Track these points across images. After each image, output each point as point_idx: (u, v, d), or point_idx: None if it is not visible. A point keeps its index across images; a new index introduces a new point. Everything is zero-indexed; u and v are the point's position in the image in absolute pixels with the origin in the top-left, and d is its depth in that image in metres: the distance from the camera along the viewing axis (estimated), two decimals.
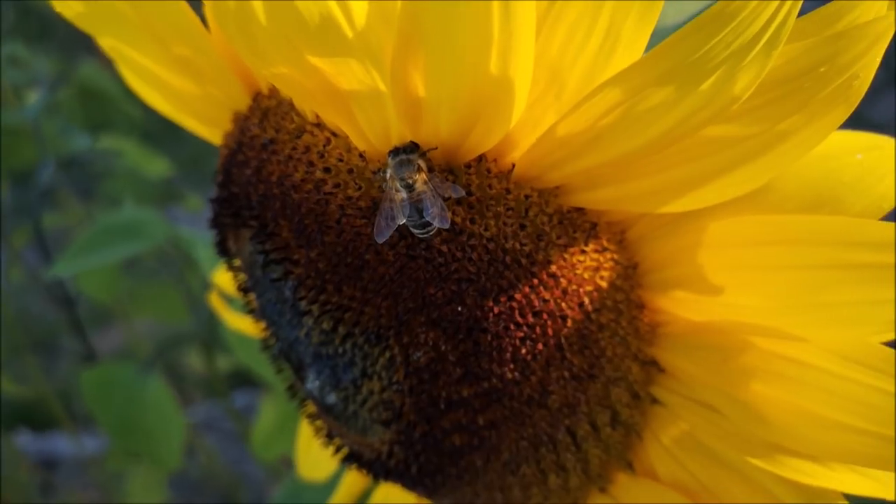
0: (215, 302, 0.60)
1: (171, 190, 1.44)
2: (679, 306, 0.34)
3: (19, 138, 1.39)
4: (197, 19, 0.36)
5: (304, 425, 0.60)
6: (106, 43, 0.41)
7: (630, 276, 0.34)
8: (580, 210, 0.33)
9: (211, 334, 1.12)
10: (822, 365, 0.32)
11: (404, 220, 0.29)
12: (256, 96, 0.37)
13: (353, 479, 0.56)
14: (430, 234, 0.30)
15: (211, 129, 0.43)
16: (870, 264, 0.30)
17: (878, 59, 0.28)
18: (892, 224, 0.30)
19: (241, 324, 0.59)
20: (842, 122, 0.29)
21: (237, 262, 0.42)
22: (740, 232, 0.32)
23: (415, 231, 0.30)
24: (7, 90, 1.60)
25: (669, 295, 0.34)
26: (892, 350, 0.31)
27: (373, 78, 0.27)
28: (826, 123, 0.29)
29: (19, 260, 1.63)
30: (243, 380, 1.76)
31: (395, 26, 0.25)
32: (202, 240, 1.08)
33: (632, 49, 0.27)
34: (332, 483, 0.61)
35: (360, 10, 0.25)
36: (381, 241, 0.30)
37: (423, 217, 0.29)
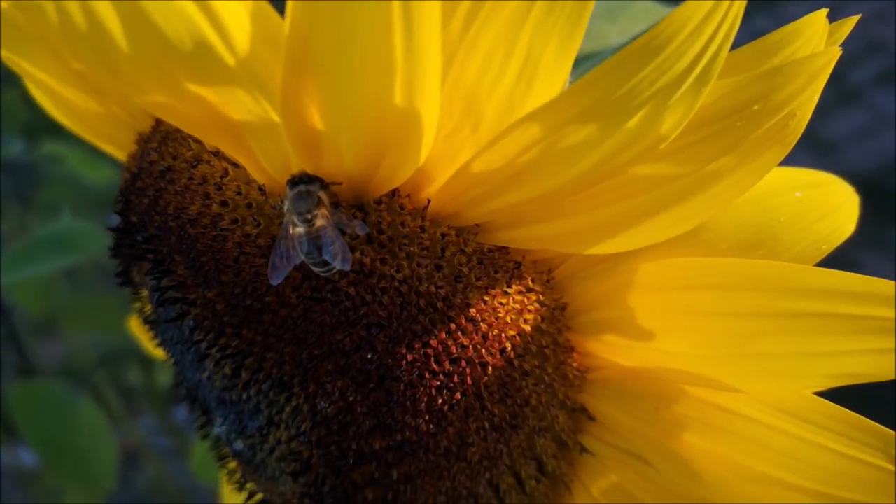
0: (135, 327, 0.56)
1: (112, 197, 1.39)
2: (610, 351, 0.32)
3: None
4: None
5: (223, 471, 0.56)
6: (6, 55, 0.38)
7: (557, 319, 0.32)
8: (503, 249, 0.30)
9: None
10: (757, 417, 0.31)
11: (302, 259, 0.27)
12: (158, 118, 0.34)
13: None
14: (330, 272, 0.27)
15: (117, 150, 0.39)
16: (806, 313, 0.28)
17: (816, 97, 0.27)
18: (832, 271, 0.28)
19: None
20: (777, 163, 0.27)
21: (144, 293, 0.39)
22: (672, 274, 0.30)
23: (315, 269, 0.27)
24: None
25: (600, 338, 0.32)
26: (830, 403, 0.30)
27: (263, 108, 0.24)
28: (760, 165, 0.27)
29: None
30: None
31: (282, 51, 0.22)
32: None
33: (552, 80, 0.25)
34: None
35: (240, 35, 0.22)
36: (275, 282, 0.27)
37: (321, 255, 0.26)
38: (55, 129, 1.45)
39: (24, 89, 1.25)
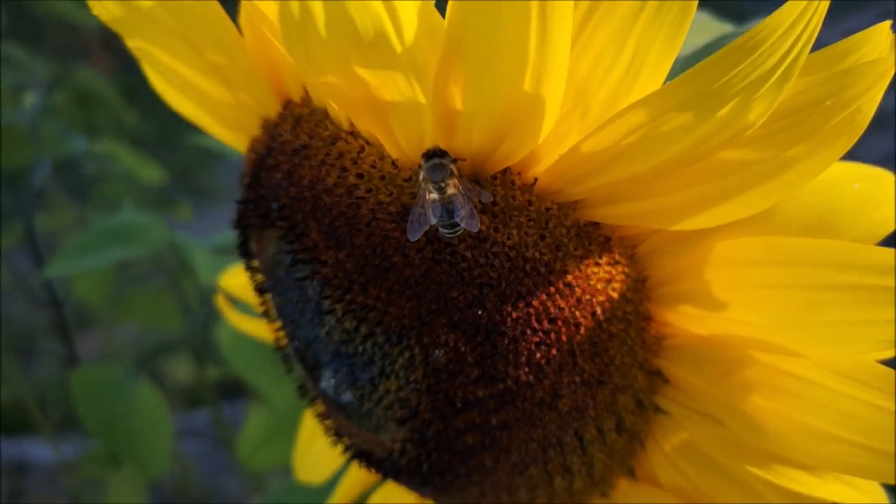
0: (221, 303, 0.61)
1: (165, 197, 1.45)
2: (685, 320, 0.36)
3: (14, 139, 1.40)
4: (234, 28, 0.38)
5: (303, 429, 0.61)
6: (138, 46, 0.43)
7: (639, 290, 0.36)
8: (595, 224, 0.34)
9: (202, 342, 1.12)
10: (819, 380, 0.34)
11: (435, 221, 0.31)
12: (287, 104, 0.38)
13: (351, 483, 0.57)
14: (457, 234, 0.32)
15: (236, 134, 0.44)
16: (865, 286, 0.32)
17: (880, 96, 0.31)
18: (888, 249, 0.32)
19: (247, 325, 0.60)
20: (844, 152, 0.31)
21: (256, 264, 0.44)
22: (745, 252, 0.34)
23: (443, 231, 0.32)
24: (3, 91, 1.60)
25: (676, 309, 0.36)
26: (887, 368, 0.33)
27: (414, 91, 0.29)
28: (830, 153, 0.31)
29: (6, 262, 1.63)
30: (227, 391, 1.75)
31: (440, 44, 0.27)
32: (199, 246, 1.09)
33: (655, 74, 0.29)
34: (321, 490, 0.62)
35: (409, 28, 0.27)
36: (413, 239, 0.31)
37: (452, 218, 0.31)
38: (101, 132, 1.51)
39: (74, 91, 1.31)
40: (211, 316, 1.13)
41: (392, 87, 0.29)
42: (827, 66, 0.30)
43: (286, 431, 1.12)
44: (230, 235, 1.20)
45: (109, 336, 1.67)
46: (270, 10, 0.34)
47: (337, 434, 0.44)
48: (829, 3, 0.28)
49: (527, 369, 0.34)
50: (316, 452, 0.60)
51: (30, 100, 1.59)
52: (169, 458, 1.04)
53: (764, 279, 0.34)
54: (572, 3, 0.26)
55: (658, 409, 0.38)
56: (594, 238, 0.34)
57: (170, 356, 1.56)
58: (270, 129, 0.39)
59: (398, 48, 0.27)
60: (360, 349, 0.36)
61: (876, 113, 0.32)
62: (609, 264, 0.35)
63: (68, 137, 1.33)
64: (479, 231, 0.32)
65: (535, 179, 0.33)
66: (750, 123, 0.29)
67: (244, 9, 0.37)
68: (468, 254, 0.33)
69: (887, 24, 0.31)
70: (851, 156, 0.34)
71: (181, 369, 1.85)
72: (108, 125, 1.60)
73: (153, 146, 1.64)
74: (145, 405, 1.02)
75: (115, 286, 1.25)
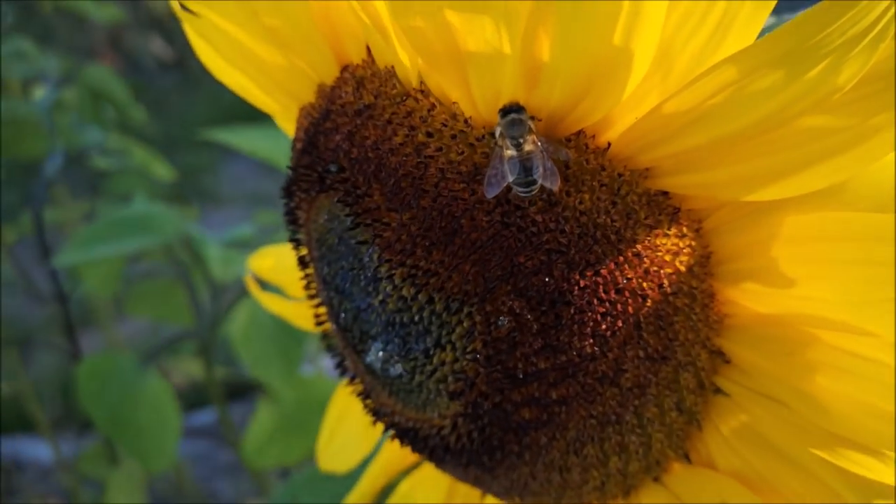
0: (250, 284, 0.60)
1: (177, 193, 1.44)
2: (749, 298, 0.35)
3: (26, 130, 1.39)
4: None
5: (328, 417, 0.60)
6: (193, 7, 0.42)
7: (705, 265, 0.35)
8: (665, 194, 0.34)
9: (211, 337, 1.11)
10: (886, 360, 0.33)
11: (512, 179, 0.30)
12: (346, 67, 0.38)
13: (378, 472, 0.56)
14: (533, 192, 0.31)
15: (285, 101, 0.43)
16: None
17: None
18: None
19: (276, 304, 0.59)
20: None
21: (301, 235, 0.43)
22: (814, 227, 0.34)
23: (518, 189, 0.31)
24: (14, 82, 1.60)
25: (740, 286, 0.35)
26: None
27: (501, 39, 0.28)
28: None
29: (9, 255, 1.62)
30: (231, 392, 1.74)
31: None
32: (212, 240, 1.08)
33: (744, 35, 0.28)
34: (342, 479, 0.61)
35: None
36: (490, 196, 0.31)
37: (530, 175, 0.30)
38: (110, 129, 1.50)
39: (85, 86, 1.30)
40: (221, 311, 1.12)
41: (479, 33, 0.28)
42: None
43: (293, 430, 1.11)
44: (243, 231, 1.19)
45: (112, 333, 1.66)
46: None
47: (376, 414, 0.43)
48: None
49: (591, 341, 0.33)
50: (341, 441, 0.58)
51: (40, 93, 1.59)
52: (175, 453, 1.03)
53: (833, 255, 0.33)
54: None
55: (718, 391, 0.37)
56: (664, 208, 0.34)
57: (170, 355, 1.54)
58: (328, 93, 0.38)
59: None
60: (417, 318, 0.35)
61: None
62: (677, 236, 0.34)
63: (82, 130, 1.32)
64: (552, 194, 0.32)
65: (609, 144, 0.32)
66: (839, 86, 0.28)
67: None
68: (539, 217, 0.32)
69: None
70: None
71: (180, 370, 1.83)
72: (115, 123, 1.59)
73: (156, 148, 1.64)
74: (153, 398, 1.00)
75: (124, 279, 1.24)
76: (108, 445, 1.31)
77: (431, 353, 0.36)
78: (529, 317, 0.33)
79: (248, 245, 1.07)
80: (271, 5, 0.38)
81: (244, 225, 1.12)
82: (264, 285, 0.62)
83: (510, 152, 0.30)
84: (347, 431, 0.57)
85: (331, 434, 0.60)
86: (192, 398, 2.06)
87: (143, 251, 1.10)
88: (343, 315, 0.40)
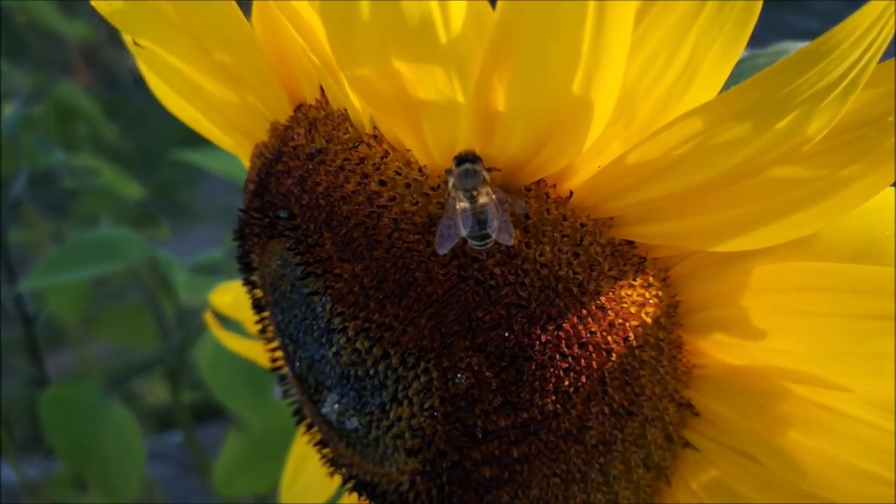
0: (210, 320, 0.58)
1: (145, 213, 1.41)
2: (718, 349, 0.34)
3: None
4: (247, 24, 0.35)
5: (292, 455, 0.57)
6: (138, 42, 0.40)
7: (672, 315, 0.34)
8: (631, 243, 0.32)
9: (179, 363, 1.08)
10: (861, 416, 0.32)
11: (465, 232, 0.29)
12: (300, 107, 0.36)
13: None
14: (487, 246, 0.29)
15: (238, 139, 0.42)
16: None
17: None
18: None
19: (236, 344, 0.57)
20: None
21: (256, 278, 0.41)
22: (786, 277, 0.32)
23: (472, 243, 0.29)
24: None
25: (709, 337, 0.34)
26: None
27: (453, 88, 0.26)
28: (886, 173, 0.29)
29: None
30: (200, 415, 1.70)
31: (488, 36, 0.24)
32: (179, 264, 1.06)
33: (710, 82, 0.27)
34: None
35: (457, 17, 0.25)
36: (441, 252, 0.29)
37: (484, 229, 0.28)
38: (81, 147, 1.48)
39: (55, 104, 1.28)
40: (188, 336, 1.10)
41: (430, 83, 0.26)
42: (889, 80, 0.28)
43: (264, 458, 1.08)
44: (212, 255, 1.16)
45: (80, 355, 1.62)
46: None
47: (334, 464, 0.41)
48: None
49: (554, 398, 0.31)
50: (304, 483, 0.56)
51: (8, 110, 1.56)
52: (139, 483, 1.00)
53: (805, 306, 0.32)
54: (633, 1, 0.24)
55: (687, 444, 0.35)
56: (629, 258, 0.32)
57: (140, 377, 1.51)
58: (280, 133, 0.36)
59: (443, 39, 0.25)
60: (372, 372, 0.34)
61: None
62: (643, 287, 0.33)
63: (47, 149, 1.29)
64: (510, 246, 0.30)
65: (571, 193, 0.31)
66: (809, 137, 0.27)
67: (259, 3, 0.35)
68: (497, 270, 0.30)
69: None
70: None
71: (151, 391, 1.80)
72: (87, 140, 1.56)
73: (131, 164, 1.61)
74: (117, 428, 0.97)
75: (91, 303, 1.21)
76: (75, 470, 1.27)
77: (388, 407, 0.34)
78: (489, 373, 0.31)
79: (217, 270, 1.05)
80: (222, 39, 0.36)
81: (213, 249, 1.10)
82: (226, 321, 0.60)
83: (463, 204, 0.28)
84: (310, 474, 0.55)
85: (294, 475, 0.58)
86: (166, 419, 2.02)
87: (109, 275, 1.07)
88: (298, 364, 0.39)
